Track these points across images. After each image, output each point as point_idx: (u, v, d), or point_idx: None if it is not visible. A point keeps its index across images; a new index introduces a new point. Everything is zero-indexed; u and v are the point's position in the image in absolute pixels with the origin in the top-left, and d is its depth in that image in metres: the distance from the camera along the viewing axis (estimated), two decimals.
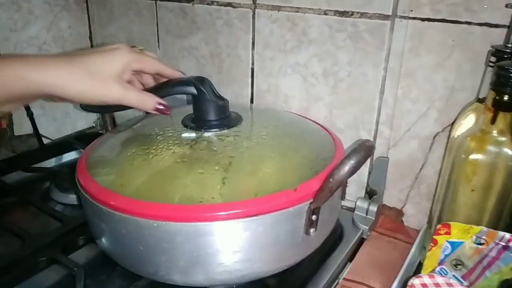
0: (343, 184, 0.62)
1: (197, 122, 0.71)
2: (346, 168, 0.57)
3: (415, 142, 0.83)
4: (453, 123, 0.73)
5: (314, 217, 0.61)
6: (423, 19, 0.74)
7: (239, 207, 0.56)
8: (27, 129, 1.18)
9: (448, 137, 0.73)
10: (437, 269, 0.59)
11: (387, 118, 0.84)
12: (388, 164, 0.87)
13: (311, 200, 0.60)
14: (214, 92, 0.70)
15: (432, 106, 0.78)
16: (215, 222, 0.55)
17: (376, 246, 0.84)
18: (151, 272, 0.61)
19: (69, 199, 0.92)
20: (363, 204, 0.88)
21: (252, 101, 1.02)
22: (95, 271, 0.72)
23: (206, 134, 0.69)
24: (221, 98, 0.72)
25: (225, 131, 0.70)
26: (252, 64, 0.98)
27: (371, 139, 0.87)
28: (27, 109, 1.14)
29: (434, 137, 0.80)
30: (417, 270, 0.77)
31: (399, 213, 0.90)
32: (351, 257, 0.81)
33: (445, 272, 0.58)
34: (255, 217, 0.56)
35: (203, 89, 0.68)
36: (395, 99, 0.82)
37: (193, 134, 0.70)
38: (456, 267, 0.58)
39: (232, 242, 0.57)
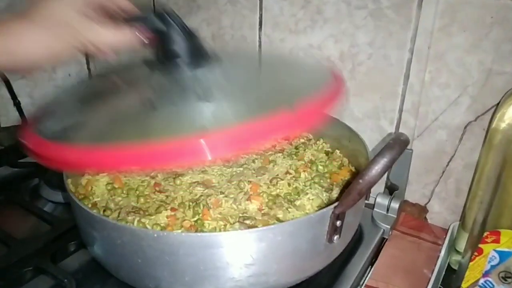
0: None
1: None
2: (378, 167, 0.49)
3: (443, 133, 0.74)
4: (494, 112, 0.65)
5: (338, 223, 0.53)
6: None
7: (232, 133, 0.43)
8: (15, 119, 1.09)
9: (488, 127, 0.64)
10: (481, 281, 0.52)
11: (412, 106, 0.75)
12: (412, 156, 0.78)
13: (336, 204, 0.52)
14: (185, 26, 0.55)
15: (464, 92, 0.70)
16: (225, 233, 0.47)
17: (399, 247, 0.76)
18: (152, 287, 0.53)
19: (59, 196, 0.83)
20: (383, 201, 0.80)
21: None
22: (88, 280, 0.64)
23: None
24: (193, 33, 0.56)
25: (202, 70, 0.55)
26: (260, 46, 0.89)
27: (393, 129, 0.79)
28: (14, 98, 1.05)
29: (466, 126, 0.72)
30: (447, 275, 0.70)
31: (423, 210, 0.82)
32: (372, 260, 0.73)
33: (491, 285, 0.51)
34: (272, 226, 0.48)
35: (174, 22, 0.53)
36: (421, 84, 0.73)
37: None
38: (505, 280, 0.50)
39: (245, 254, 0.50)
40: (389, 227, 0.77)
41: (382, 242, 0.77)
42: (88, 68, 1.23)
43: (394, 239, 0.78)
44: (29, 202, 0.82)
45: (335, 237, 0.54)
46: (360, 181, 0.49)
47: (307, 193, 0.66)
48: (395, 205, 0.79)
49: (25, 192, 0.88)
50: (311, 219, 0.50)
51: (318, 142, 0.82)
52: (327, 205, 0.65)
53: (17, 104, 1.06)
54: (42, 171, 0.92)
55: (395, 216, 0.79)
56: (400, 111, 0.77)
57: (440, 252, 0.72)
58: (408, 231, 0.80)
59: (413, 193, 0.81)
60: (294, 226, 0.49)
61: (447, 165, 0.76)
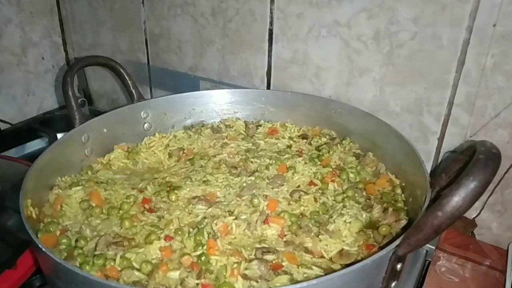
0: None
1: None
2: (467, 194, 0.34)
3: (505, 132, 0.59)
4: None
5: (399, 266, 0.38)
6: None
7: None
8: None
9: None
10: None
11: (466, 99, 0.60)
12: None
13: (397, 243, 0.37)
14: None
15: None
16: None
17: (446, 272, 0.62)
18: None
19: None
20: None
21: (269, 75, 0.77)
22: None
23: None
24: None
25: None
26: (271, 23, 0.73)
27: (439, 126, 0.64)
28: None
29: None
30: None
31: (470, 224, 0.68)
32: None
33: None
34: (313, 282, 0.33)
35: None
36: (481, 72, 0.58)
37: None
38: None
39: None
40: (433, 247, 0.63)
41: (425, 266, 0.63)
42: (65, 50, 1.06)
43: (439, 261, 0.64)
44: None
45: (393, 284, 0.39)
46: (439, 213, 0.34)
47: (342, 214, 0.51)
48: None
49: None
50: (366, 268, 0.35)
51: (344, 141, 0.67)
52: (367, 227, 0.51)
53: None
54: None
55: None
56: (450, 104, 0.62)
57: (500, 280, 0.58)
58: (454, 250, 0.66)
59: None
60: (342, 278, 0.34)
61: (506, 172, 0.61)
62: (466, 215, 0.67)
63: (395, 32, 0.62)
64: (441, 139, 0.64)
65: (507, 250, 0.63)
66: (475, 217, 0.67)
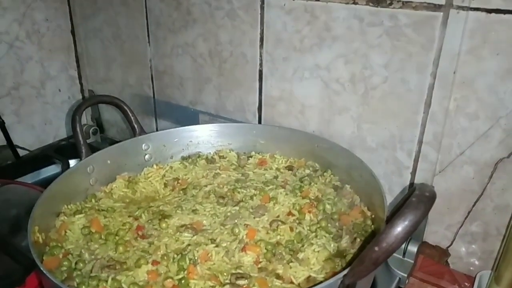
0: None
1: None
2: (399, 232, 0.39)
3: (470, 169, 0.64)
4: None
5: None
6: (489, 11, 0.55)
7: None
8: (0, 139, 1.01)
9: None
10: None
11: (434, 137, 0.65)
12: None
13: (345, 273, 0.43)
14: None
15: (496, 125, 0.60)
16: None
17: None
18: None
19: None
20: None
21: (260, 110, 0.84)
22: None
23: None
24: None
25: None
26: (261, 65, 0.80)
27: (411, 162, 0.69)
28: None
29: (497, 163, 0.62)
30: None
31: (444, 253, 0.72)
32: None
33: None
34: None
35: None
36: (445, 113, 0.63)
37: None
38: None
39: None
40: (405, 275, 0.68)
41: None
42: (81, 83, 1.16)
43: None
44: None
45: None
46: (376, 248, 0.40)
47: (311, 243, 0.57)
48: (412, 248, 0.69)
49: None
50: None
51: (325, 173, 0.73)
52: (335, 256, 0.57)
53: (1, 124, 0.99)
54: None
55: (413, 262, 0.69)
56: (420, 142, 0.67)
57: None
58: (428, 278, 0.70)
59: (434, 234, 0.72)
60: None
61: (473, 206, 0.66)
62: (440, 244, 0.72)
63: (369, 76, 0.68)
64: (413, 173, 0.70)
65: (474, 278, 0.67)
66: (448, 246, 0.71)
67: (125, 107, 0.79)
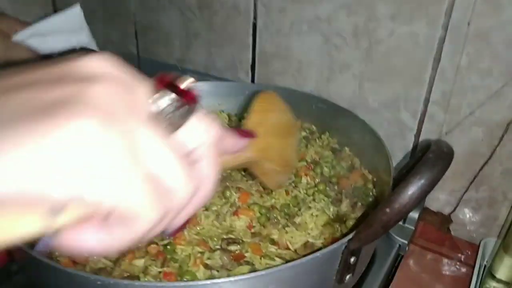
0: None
1: None
2: (414, 191, 0.35)
3: (479, 130, 0.60)
4: None
5: (352, 260, 0.40)
6: None
7: None
8: None
9: None
10: None
11: (442, 96, 0.61)
12: None
13: (350, 237, 0.38)
14: None
15: (511, 82, 0.55)
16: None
17: (417, 267, 0.63)
18: None
19: None
20: None
21: (253, 69, 0.78)
22: None
23: None
24: None
25: None
26: (255, 18, 0.73)
27: (416, 123, 0.64)
28: None
29: (509, 124, 0.57)
30: None
31: (446, 220, 0.68)
32: (386, 283, 0.60)
33: None
34: (262, 273, 0.34)
35: None
36: (456, 70, 0.58)
37: None
38: None
39: None
40: (406, 241, 0.64)
41: (397, 259, 0.64)
42: None
43: (412, 256, 0.65)
44: None
45: (347, 276, 0.41)
46: (387, 210, 0.35)
47: (309, 207, 0.52)
48: (413, 214, 0.66)
49: None
50: (317, 260, 0.36)
51: (323, 136, 0.68)
52: (334, 221, 0.52)
53: None
54: None
55: (413, 228, 0.66)
56: (426, 101, 0.62)
57: (471, 276, 0.59)
58: (428, 245, 0.67)
59: (435, 200, 0.68)
60: (293, 270, 0.35)
61: (480, 169, 0.62)
62: (442, 210, 0.68)
63: (373, 29, 0.62)
64: (417, 135, 0.65)
65: (478, 245, 0.64)
66: (451, 213, 0.68)
67: None
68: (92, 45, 0.75)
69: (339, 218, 0.52)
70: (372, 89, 0.66)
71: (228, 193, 0.55)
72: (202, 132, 0.25)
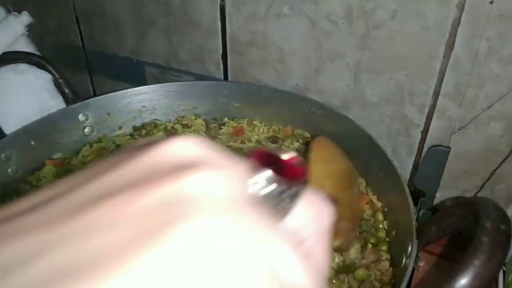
0: None
1: None
2: None
3: (499, 126, 0.52)
4: None
5: None
6: None
7: None
8: None
9: None
10: None
11: (455, 88, 0.51)
12: (449, 155, 0.56)
13: None
14: None
15: None
16: None
17: (433, 278, 0.57)
18: None
19: None
20: None
21: (225, 59, 0.65)
22: None
23: None
24: None
25: None
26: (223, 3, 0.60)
27: (423, 119, 0.55)
28: None
29: None
30: None
31: None
32: None
33: None
34: None
35: None
36: (473, 57, 0.49)
37: None
38: None
39: None
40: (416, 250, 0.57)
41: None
42: None
43: (425, 267, 0.58)
44: None
45: None
46: None
47: None
48: (422, 217, 0.58)
49: None
50: None
51: None
52: (339, 271, 0.43)
53: None
54: None
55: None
56: (436, 94, 0.53)
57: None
58: (442, 251, 0.60)
59: (445, 201, 0.60)
60: None
61: (497, 168, 0.55)
62: None
63: (372, 10, 0.51)
64: (425, 132, 0.56)
65: None
66: None
67: (48, 66, 0.59)
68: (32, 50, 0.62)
69: (346, 268, 0.43)
70: (370, 81, 0.56)
71: None
72: (315, 215, 0.19)
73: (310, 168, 0.36)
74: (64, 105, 0.62)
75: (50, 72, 0.60)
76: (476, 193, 0.58)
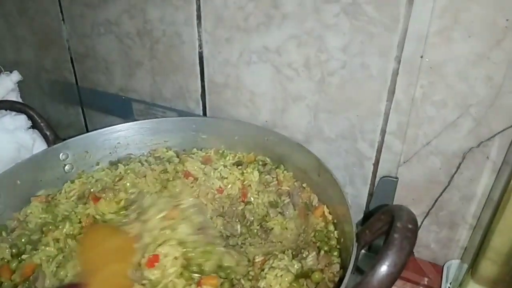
0: None
1: None
2: (384, 281, 0.33)
3: (437, 159, 0.59)
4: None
5: None
6: None
7: None
8: None
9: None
10: None
11: (398, 127, 0.59)
12: (397, 184, 0.64)
13: None
14: None
15: (466, 113, 0.54)
16: None
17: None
18: None
19: None
20: None
21: (204, 97, 0.73)
22: None
23: None
24: None
25: None
26: (200, 47, 0.68)
27: (374, 152, 0.63)
28: None
29: (465, 154, 0.57)
30: None
31: None
32: None
33: None
34: None
35: None
36: (411, 101, 0.57)
37: None
38: None
39: None
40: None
41: None
42: None
43: None
44: None
45: None
46: None
47: (273, 267, 0.50)
48: (378, 242, 0.65)
49: None
50: None
51: (278, 169, 0.65)
52: (299, 277, 0.50)
53: None
54: None
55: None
56: (383, 132, 0.61)
57: None
58: None
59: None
60: None
61: (439, 196, 0.62)
62: None
63: (325, 60, 0.59)
64: (376, 164, 0.64)
65: (442, 268, 0.65)
66: None
67: (29, 111, 0.66)
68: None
69: (304, 274, 0.50)
70: (327, 120, 0.64)
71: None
72: None
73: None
74: (38, 142, 0.67)
75: (31, 117, 0.66)
76: (423, 219, 0.65)
